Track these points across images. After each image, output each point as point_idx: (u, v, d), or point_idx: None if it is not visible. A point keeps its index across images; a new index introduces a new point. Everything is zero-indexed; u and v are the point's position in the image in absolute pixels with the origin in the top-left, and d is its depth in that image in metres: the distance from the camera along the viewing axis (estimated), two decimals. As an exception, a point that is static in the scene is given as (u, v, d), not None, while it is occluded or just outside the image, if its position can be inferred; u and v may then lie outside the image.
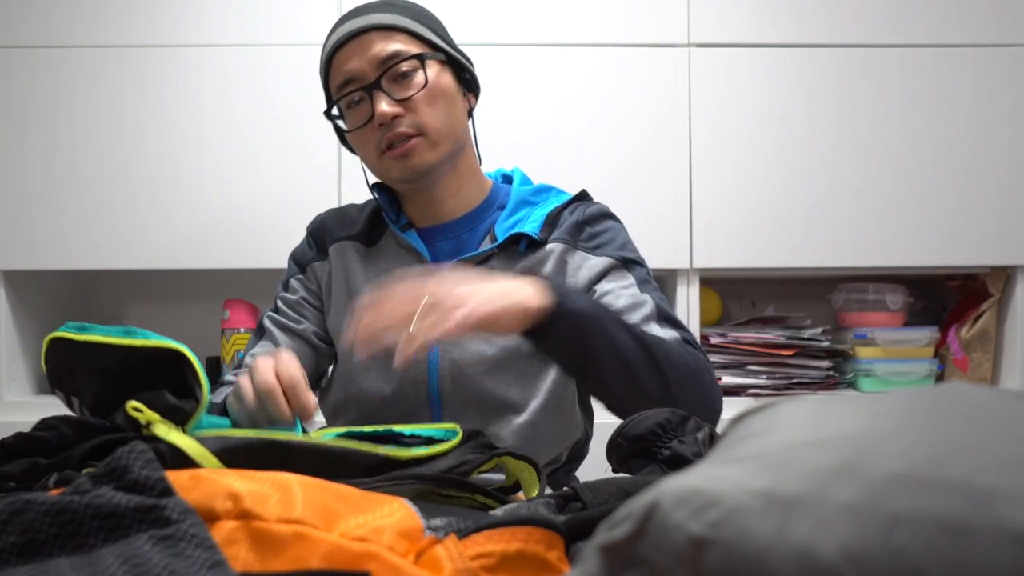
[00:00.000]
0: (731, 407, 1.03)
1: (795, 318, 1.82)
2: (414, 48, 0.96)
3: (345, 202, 1.45)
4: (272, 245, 1.61)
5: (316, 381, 1.09)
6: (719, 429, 0.67)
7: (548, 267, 0.98)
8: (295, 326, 1.05)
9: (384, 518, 0.40)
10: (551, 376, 0.97)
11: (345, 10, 1.00)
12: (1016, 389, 1.37)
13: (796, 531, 0.25)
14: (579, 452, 1.07)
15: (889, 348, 1.72)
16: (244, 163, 1.68)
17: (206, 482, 0.42)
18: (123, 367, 0.64)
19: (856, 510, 0.25)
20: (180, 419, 0.62)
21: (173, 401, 0.62)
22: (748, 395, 1.69)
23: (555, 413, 0.98)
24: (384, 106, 0.93)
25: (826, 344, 1.72)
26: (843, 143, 1.68)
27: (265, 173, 1.67)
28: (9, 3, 1.67)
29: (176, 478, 0.41)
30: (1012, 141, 1.68)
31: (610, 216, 1.05)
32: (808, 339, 1.72)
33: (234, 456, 0.57)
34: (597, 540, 0.31)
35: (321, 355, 1.07)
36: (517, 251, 1.00)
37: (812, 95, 1.68)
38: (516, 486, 0.66)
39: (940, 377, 1.77)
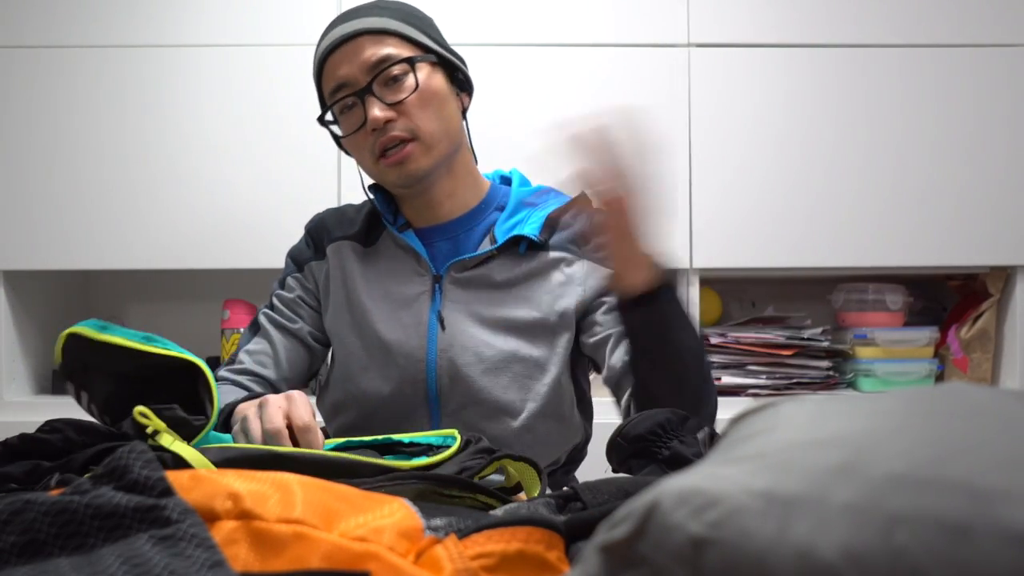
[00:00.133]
0: (731, 407, 1.03)
1: (795, 318, 1.82)
2: (404, 51, 0.96)
3: (345, 202, 1.45)
4: (272, 245, 1.60)
5: (307, 380, 1.09)
6: (718, 429, 0.67)
7: (555, 274, 0.99)
8: (290, 325, 1.06)
9: (384, 518, 0.40)
10: (548, 381, 0.97)
11: (344, 10, 1.00)
12: (1016, 389, 1.36)
13: (796, 531, 0.25)
14: (578, 454, 1.07)
15: (889, 348, 1.72)
16: (244, 163, 1.68)
17: (206, 482, 0.42)
18: (139, 373, 0.64)
19: (856, 510, 0.25)
20: (187, 433, 0.62)
21: (182, 415, 0.62)
22: (748, 395, 1.69)
23: (553, 417, 0.98)
24: (376, 111, 0.93)
25: (826, 344, 1.72)
26: (843, 143, 1.68)
27: (265, 173, 1.67)
28: (9, 3, 1.67)
29: (176, 478, 0.41)
30: (1012, 141, 1.67)
31: None
32: (808, 339, 1.72)
33: (237, 467, 0.57)
34: (597, 540, 0.31)
35: (314, 355, 1.08)
36: (517, 253, 1.00)
37: (812, 95, 1.68)
38: (517, 487, 0.66)
39: (940, 377, 1.77)
